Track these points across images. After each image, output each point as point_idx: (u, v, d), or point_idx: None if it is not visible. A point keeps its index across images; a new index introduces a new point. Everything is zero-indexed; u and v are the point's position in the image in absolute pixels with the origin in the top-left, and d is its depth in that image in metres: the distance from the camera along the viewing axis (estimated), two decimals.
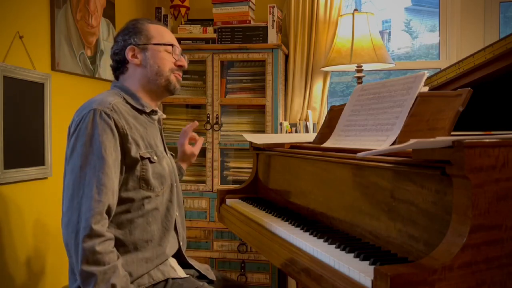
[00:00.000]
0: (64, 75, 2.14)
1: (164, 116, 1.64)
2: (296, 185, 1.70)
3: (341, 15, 2.78)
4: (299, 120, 2.91)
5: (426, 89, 1.39)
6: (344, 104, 1.67)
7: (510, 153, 0.92)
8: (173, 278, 1.45)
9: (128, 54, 1.50)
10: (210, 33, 2.81)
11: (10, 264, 1.81)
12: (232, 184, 2.77)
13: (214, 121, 2.74)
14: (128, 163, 1.39)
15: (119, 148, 1.36)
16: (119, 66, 1.54)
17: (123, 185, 1.38)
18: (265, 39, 2.72)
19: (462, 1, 2.88)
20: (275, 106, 2.68)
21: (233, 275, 2.69)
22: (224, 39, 2.77)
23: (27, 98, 1.86)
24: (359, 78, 2.67)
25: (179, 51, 1.58)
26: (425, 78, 1.34)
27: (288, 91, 2.90)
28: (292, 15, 2.88)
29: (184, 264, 1.58)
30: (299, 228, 1.41)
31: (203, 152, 2.75)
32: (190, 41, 2.82)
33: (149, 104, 1.53)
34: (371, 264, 1.03)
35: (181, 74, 1.59)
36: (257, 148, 2.05)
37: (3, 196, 1.77)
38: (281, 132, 2.69)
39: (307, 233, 1.34)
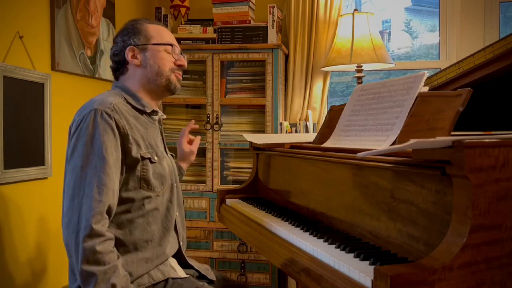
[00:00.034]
0: (64, 75, 2.14)
1: (165, 116, 1.64)
2: (296, 185, 1.70)
3: (341, 15, 2.78)
4: (299, 120, 2.91)
5: (426, 89, 1.39)
6: (344, 104, 1.67)
7: (510, 153, 0.92)
8: (173, 278, 1.45)
9: (128, 55, 1.50)
10: (210, 33, 2.81)
11: (10, 264, 1.81)
12: (232, 184, 2.77)
13: (214, 121, 2.74)
14: (129, 163, 1.39)
15: (120, 148, 1.36)
16: (119, 67, 1.54)
17: (124, 185, 1.38)
18: (265, 39, 2.72)
19: (462, 1, 2.88)
20: (275, 106, 2.68)
21: (233, 275, 2.69)
22: (224, 39, 2.77)
23: (27, 98, 1.86)
24: (359, 78, 2.67)
25: (179, 50, 1.58)
26: (425, 78, 1.34)
27: (288, 91, 2.90)
28: (292, 15, 2.88)
29: (184, 264, 1.58)
30: (299, 228, 1.41)
31: (203, 152, 2.75)
32: (190, 41, 2.81)
33: (149, 104, 1.53)
34: (371, 264, 1.03)
35: (181, 73, 1.59)
36: (257, 148, 2.05)
37: (3, 196, 1.77)
38: (281, 132, 2.69)
39: (307, 233, 1.34)
